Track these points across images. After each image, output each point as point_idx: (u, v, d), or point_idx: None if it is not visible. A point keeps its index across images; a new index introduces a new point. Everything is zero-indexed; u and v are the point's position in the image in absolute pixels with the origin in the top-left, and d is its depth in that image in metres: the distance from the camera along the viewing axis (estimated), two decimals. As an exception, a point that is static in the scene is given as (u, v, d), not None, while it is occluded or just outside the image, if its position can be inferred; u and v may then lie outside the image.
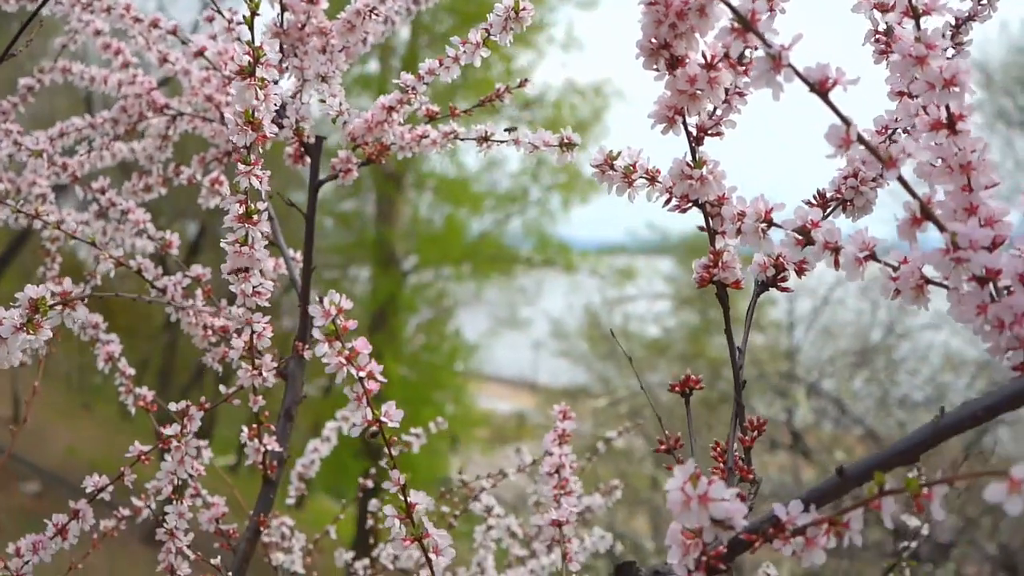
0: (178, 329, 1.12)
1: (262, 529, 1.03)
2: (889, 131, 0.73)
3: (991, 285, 0.53)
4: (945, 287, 0.56)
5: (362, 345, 0.65)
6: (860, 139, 0.53)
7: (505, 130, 0.96)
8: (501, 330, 12.37)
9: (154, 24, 1.13)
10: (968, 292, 0.54)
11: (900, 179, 0.53)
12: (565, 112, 10.26)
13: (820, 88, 0.53)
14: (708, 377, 8.29)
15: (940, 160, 0.57)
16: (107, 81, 1.28)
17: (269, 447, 1.00)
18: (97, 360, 1.16)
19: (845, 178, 0.72)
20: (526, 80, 1.03)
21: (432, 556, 0.67)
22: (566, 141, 0.87)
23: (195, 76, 1.18)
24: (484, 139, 0.97)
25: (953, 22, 0.76)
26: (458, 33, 0.93)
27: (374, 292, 11.05)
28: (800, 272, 0.71)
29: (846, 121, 0.53)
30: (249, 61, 0.72)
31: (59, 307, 0.71)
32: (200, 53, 1.07)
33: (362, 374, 0.65)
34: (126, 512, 1.18)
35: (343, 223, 11.71)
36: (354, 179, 1.04)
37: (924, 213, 0.54)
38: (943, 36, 0.74)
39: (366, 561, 1.42)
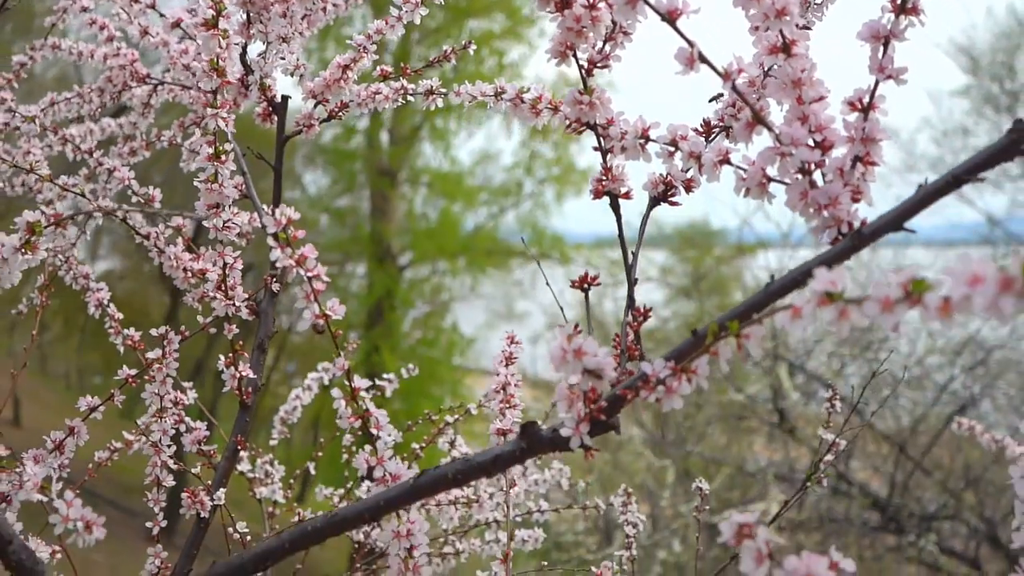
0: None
1: (240, 449, 1.14)
2: (766, 67, 0.85)
3: (812, 176, 0.65)
4: (782, 183, 0.68)
5: (310, 251, 0.77)
6: (702, 58, 0.64)
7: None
8: (498, 323, 12.47)
9: (134, -1, 1.25)
10: (795, 183, 0.65)
11: (734, 89, 0.65)
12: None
13: (670, 16, 0.64)
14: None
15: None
16: (93, 55, 1.39)
17: (244, 374, 1.12)
18: (89, 308, 1.27)
19: (727, 107, 0.84)
20: (470, 43, 1.15)
21: (374, 431, 0.79)
22: (499, 91, 0.99)
23: (173, 47, 1.29)
24: (430, 92, 1.09)
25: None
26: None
27: (371, 287, 11.16)
28: (688, 189, 0.82)
29: (691, 43, 0.64)
30: (212, 14, 0.84)
31: (52, 228, 0.82)
32: (177, 24, 1.18)
33: (311, 274, 0.76)
34: (118, 444, 1.30)
35: (339, 220, 11.82)
36: (316, 133, 1.15)
37: (756, 118, 0.66)
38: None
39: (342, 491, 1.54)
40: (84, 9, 1.35)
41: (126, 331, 1.24)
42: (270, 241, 0.76)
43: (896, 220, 0.60)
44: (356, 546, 1.49)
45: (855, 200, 0.65)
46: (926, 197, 0.60)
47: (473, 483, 1.59)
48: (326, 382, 1.65)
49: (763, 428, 7.19)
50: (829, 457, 1.22)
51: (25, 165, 1.14)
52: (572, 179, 11.54)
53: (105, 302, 1.27)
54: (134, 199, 1.25)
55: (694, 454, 6.63)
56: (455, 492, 1.32)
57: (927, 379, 7.19)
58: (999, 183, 9.16)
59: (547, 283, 1.16)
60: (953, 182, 0.59)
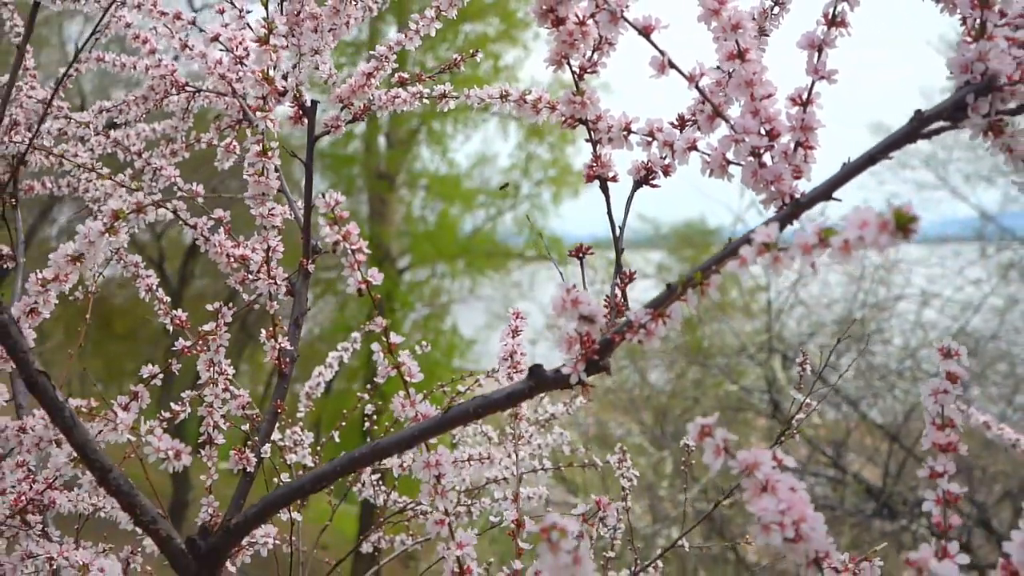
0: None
1: (279, 412, 1.30)
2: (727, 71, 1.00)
3: (762, 158, 0.81)
4: (738, 164, 0.84)
5: (354, 227, 0.92)
6: (671, 64, 0.80)
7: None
8: (497, 325, 12.61)
9: (177, 16, 1.41)
10: (747, 164, 0.81)
11: (698, 89, 0.81)
12: (552, 106, 10.50)
13: (645, 31, 0.80)
14: (699, 360, 8.56)
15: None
16: (136, 66, 1.55)
17: (283, 346, 1.27)
18: (140, 290, 1.42)
19: (696, 104, 0.99)
20: (477, 51, 1.31)
21: (407, 379, 0.95)
22: (504, 93, 1.14)
23: (211, 58, 1.45)
24: (443, 96, 1.25)
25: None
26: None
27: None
28: (666, 173, 0.98)
29: (662, 53, 0.80)
30: (265, 32, 0.99)
31: (134, 214, 0.98)
32: (215, 38, 1.34)
33: (354, 247, 0.92)
34: (167, 414, 1.46)
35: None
36: (342, 134, 1.31)
37: (715, 112, 0.81)
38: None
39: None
40: (128, 25, 1.51)
41: (174, 312, 1.39)
42: (320, 220, 0.91)
43: (826, 191, 0.76)
44: (377, 509, 1.65)
45: (796, 177, 0.81)
46: (849, 172, 0.75)
47: (486, 445, 1.75)
48: (345, 360, 1.81)
49: (760, 422, 7.36)
50: (800, 416, 1.37)
51: (88, 165, 1.29)
52: (569, 180, 11.70)
53: (154, 287, 1.43)
54: (179, 194, 1.41)
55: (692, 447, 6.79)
56: (469, 451, 1.48)
57: (919, 370, 7.36)
58: (992, 178, 9.29)
59: (560, 272, 1.30)
60: (869, 160, 0.75)
